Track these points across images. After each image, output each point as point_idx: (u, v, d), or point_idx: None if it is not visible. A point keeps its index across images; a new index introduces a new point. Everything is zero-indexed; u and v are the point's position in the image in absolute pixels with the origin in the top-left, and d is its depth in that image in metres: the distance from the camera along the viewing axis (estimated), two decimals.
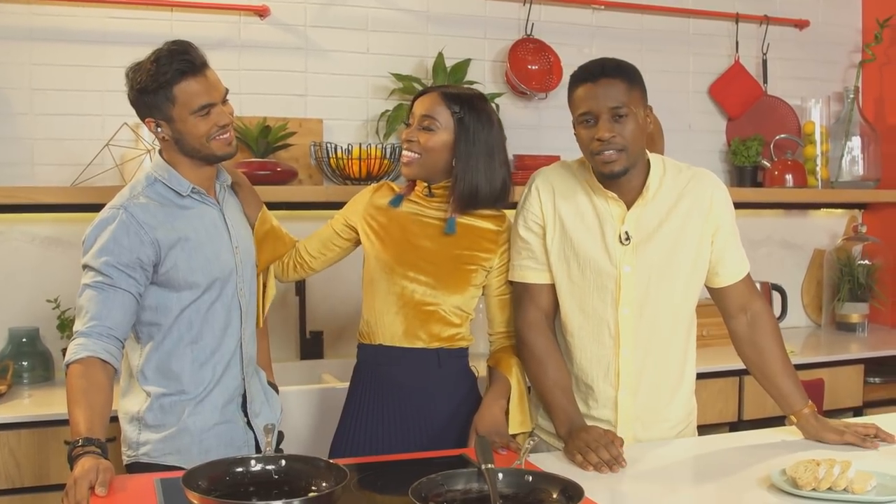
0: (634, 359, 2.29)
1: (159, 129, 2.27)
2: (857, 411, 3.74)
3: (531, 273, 2.36)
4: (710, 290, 2.41)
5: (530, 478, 1.79)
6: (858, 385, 3.77)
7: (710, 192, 2.34)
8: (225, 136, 2.28)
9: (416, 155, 2.38)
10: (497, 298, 2.48)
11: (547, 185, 2.36)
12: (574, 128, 2.26)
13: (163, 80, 2.20)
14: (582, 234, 2.30)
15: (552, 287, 2.36)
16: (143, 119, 2.29)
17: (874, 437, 2.26)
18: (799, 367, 3.57)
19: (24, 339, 3.19)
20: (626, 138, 2.18)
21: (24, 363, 3.16)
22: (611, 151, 2.19)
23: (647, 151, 2.33)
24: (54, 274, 3.26)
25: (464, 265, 2.42)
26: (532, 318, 2.36)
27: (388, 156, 3.49)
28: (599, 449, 2.08)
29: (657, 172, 2.31)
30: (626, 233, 2.27)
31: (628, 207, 2.28)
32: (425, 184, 2.44)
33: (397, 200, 2.46)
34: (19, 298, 3.28)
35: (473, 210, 2.43)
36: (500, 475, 1.79)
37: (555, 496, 1.73)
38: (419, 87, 3.52)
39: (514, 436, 2.35)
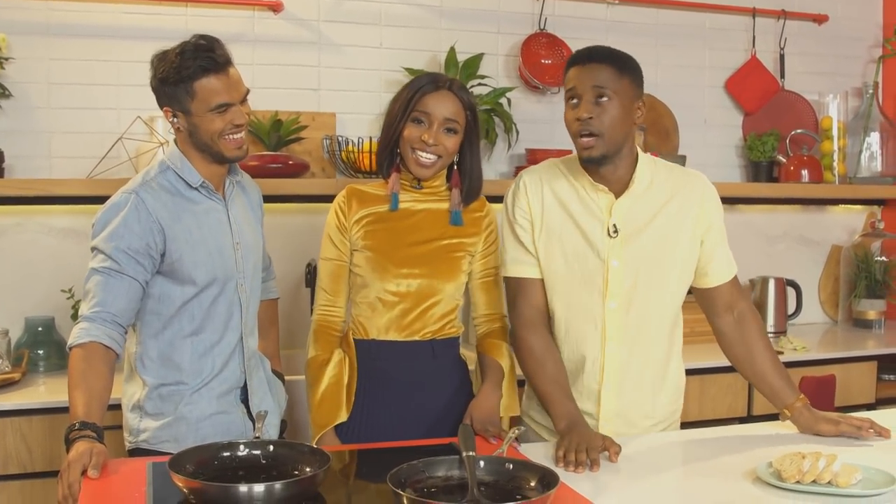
0: (620, 354, 2.29)
1: (175, 120, 2.30)
2: (870, 408, 3.70)
3: (524, 268, 2.36)
4: (696, 290, 2.41)
5: (510, 465, 1.81)
6: (871, 382, 3.74)
7: (701, 191, 2.33)
8: (237, 136, 2.29)
9: (438, 157, 2.39)
10: (480, 281, 2.49)
11: (535, 179, 2.36)
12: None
13: (185, 73, 2.22)
14: (569, 228, 2.30)
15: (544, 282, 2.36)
16: (161, 107, 2.32)
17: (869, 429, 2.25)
18: (810, 362, 3.60)
19: (39, 329, 3.26)
20: (605, 124, 2.18)
21: (40, 352, 3.23)
22: (588, 138, 2.19)
23: (639, 149, 2.33)
24: (70, 264, 3.30)
25: (452, 253, 2.43)
26: (528, 315, 2.35)
27: None
28: (580, 452, 2.02)
29: (647, 168, 2.31)
30: (615, 225, 2.26)
31: (616, 198, 2.28)
32: (415, 178, 2.44)
33: (396, 203, 2.43)
34: (36, 288, 3.35)
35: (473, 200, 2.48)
36: (482, 463, 1.81)
37: (532, 484, 1.74)
38: None
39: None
